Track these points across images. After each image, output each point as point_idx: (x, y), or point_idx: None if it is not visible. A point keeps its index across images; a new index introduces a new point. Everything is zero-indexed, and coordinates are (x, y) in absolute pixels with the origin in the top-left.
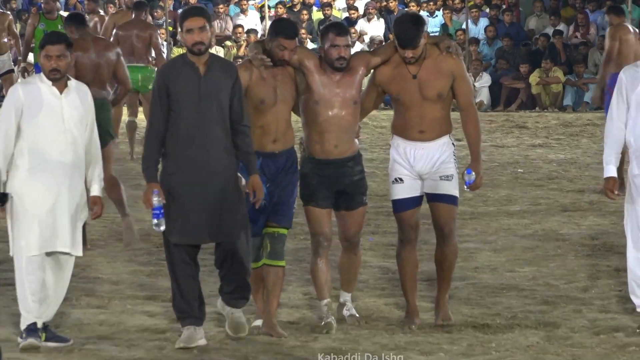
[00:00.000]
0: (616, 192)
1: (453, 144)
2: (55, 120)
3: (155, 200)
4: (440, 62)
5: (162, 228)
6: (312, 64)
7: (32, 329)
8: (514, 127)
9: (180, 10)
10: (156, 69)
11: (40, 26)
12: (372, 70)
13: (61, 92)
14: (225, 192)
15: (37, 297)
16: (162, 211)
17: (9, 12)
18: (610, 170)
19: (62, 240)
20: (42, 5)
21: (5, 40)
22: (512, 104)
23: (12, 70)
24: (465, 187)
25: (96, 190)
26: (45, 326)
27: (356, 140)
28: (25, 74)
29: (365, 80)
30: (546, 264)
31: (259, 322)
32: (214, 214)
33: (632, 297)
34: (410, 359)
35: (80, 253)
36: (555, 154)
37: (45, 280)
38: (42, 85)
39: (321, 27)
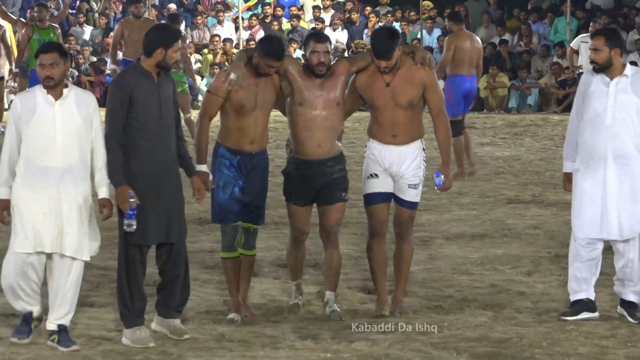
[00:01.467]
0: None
1: (424, 149)
2: (47, 127)
3: (132, 201)
4: (413, 72)
5: (134, 228)
6: (296, 70)
7: (28, 317)
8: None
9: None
10: (182, 72)
11: (35, 36)
12: (353, 76)
13: (56, 99)
14: (176, 196)
15: (31, 297)
16: (135, 212)
17: (2, 24)
18: (566, 166)
19: (54, 243)
20: (36, 14)
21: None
22: None
23: (2, 78)
24: (436, 188)
25: (104, 192)
26: (61, 329)
27: (338, 142)
28: (17, 79)
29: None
30: (493, 251)
31: (233, 316)
32: (167, 217)
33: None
34: (370, 337)
35: (83, 257)
36: (502, 152)
37: (51, 285)
38: (38, 93)
39: (301, 37)
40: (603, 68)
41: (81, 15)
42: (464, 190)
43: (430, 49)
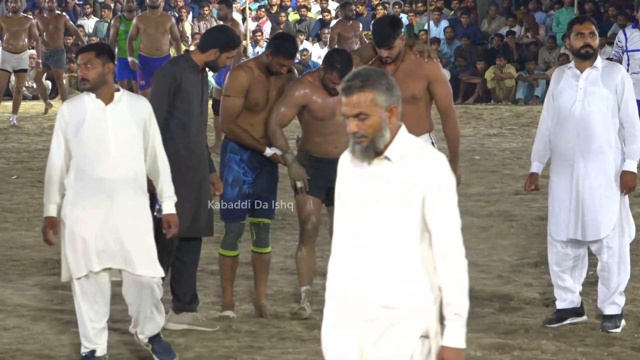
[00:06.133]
0: (532, 187)
1: (433, 143)
2: (99, 134)
3: None
4: (417, 65)
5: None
6: (316, 95)
7: (88, 357)
8: (471, 119)
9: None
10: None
11: (122, 27)
12: None
13: (107, 104)
14: (208, 188)
15: (96, 324)
16: None
17: (31, 17)
18: (534, 167)
19: (114, 258)
20: (124, 5)
21: (26, 41)
22: (470, 97)
23: (25, 70)
24: None
25: (167, 207)
26: (154, 337)
27: None
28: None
29: None
30: (500, 242)
31: (228, 313)
32: (205, 209)
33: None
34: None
35: (149, 272)
36: (509, 143)
37: (127, 300)
38: (86, 99)
39: (326, 55)
40: (595, 55)
41: (88, 6)
42: (470, 181)
43: (437, 40)
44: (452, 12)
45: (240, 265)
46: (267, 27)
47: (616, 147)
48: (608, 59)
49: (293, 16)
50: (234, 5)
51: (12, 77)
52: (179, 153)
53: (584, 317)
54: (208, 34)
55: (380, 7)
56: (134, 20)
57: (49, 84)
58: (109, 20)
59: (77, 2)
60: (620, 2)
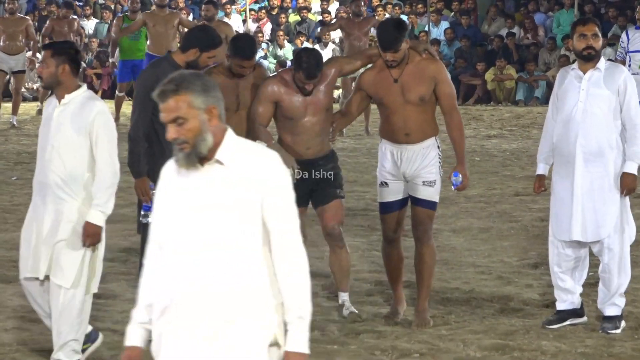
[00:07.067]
0: (542, 189)
1: (438, 146)
2: (44, 136)
3: (153, 192)
4: (422, 67)
5: (150, 220)
6: (282, 91)
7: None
8: (472, 120)
9: None
10: None
11: (124, 26)
12: (356, 76)
13: (59, 104)
14: None
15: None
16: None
17: (28, 17)
18: (540, 169)
19: (37, 265)
20: (129, 5)
21: (23, 42)
22: (470, 98)
23: (23, 71)
24: (453, 188)
25: (90, 216)
26: None
27: (329, 142)
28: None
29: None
30: (500, 243)
31: None
32: None
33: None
34: (377, 329)
35: (63, 282)
36: (509, 144)
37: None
38: (54, 99)
39: (295, 54)
40: (598, 56)
41: (88, 7)
42: (471, 182)
43: (437, 42)
44: (452, 13)
45: None
46: (268, 28)
47: (617, 149)
48: (608, 60)
49: (293, 17)
50: (234, 7)
51: (11, 79)
52: (166, 154)
53: (584, 318)
54: (189, 34)
55: (380, 9)
56: (141, 16)
57: None
58: (109, 22)
59: (78, 4)
60: (620, 3)
